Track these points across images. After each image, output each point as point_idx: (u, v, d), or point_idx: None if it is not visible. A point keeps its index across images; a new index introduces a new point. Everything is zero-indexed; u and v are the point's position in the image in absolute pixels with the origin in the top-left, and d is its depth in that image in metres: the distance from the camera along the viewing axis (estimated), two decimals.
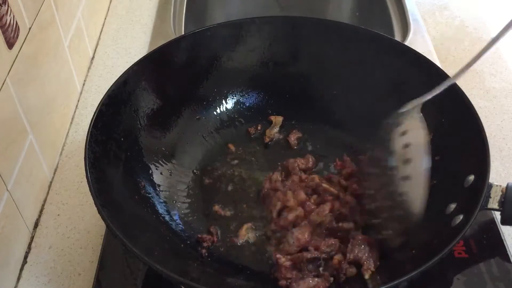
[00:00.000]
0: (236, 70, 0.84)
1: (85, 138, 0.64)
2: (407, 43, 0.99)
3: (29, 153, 0.73)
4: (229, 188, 0.76)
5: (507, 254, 0.70)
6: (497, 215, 0.67)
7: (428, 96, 0.64)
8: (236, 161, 0.80)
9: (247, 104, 0.85)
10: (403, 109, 0.66)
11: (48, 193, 0.80)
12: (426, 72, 0.74)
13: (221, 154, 0.80)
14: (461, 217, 0.59)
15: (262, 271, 0.66)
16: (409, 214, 0.61)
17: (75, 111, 0.92)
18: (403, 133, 0.65)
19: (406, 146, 0.64)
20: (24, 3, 0.71)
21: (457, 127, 0.69)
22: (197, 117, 0.82)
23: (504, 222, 0.63)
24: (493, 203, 0.61)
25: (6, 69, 0.66)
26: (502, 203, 0.61)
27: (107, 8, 1.13)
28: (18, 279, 0.70)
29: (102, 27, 1.09)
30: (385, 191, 0.65)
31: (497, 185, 0.62)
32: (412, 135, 0.64)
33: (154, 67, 0.77)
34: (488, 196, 0.61)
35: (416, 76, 0.75)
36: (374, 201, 0.68)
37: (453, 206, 0.62)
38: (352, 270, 0.63)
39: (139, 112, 0.74)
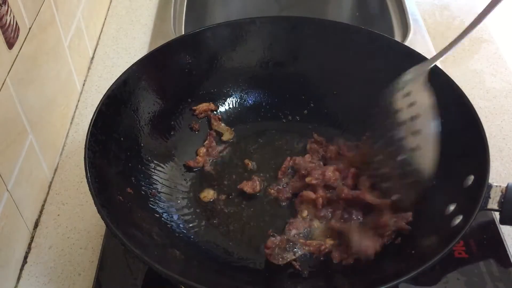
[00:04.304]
0: (236, 70, 0.84)
1: (85, 138, 0.64)
2: (407, 43, 0.99)
3: (29, 153, 0.73)
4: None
5: (507, 254, 0.70)
6: (497, 215, 0.67)
7: (435, 61, 0.64)
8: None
9: (247, 104, 0.85)
10: (408, 77, 0.65)
11: (48, 193, 0.80)
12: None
13: None
14: (460, 217, 0.59)
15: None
16: (419, 180, 0.61)
17: (75, 111, 0.92)
18: (411, 104, 0.64)
19: (414, 118, 0.63)
20: (24, 3, 0.71)
21: (457, 127, 0.69)
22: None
23: (503, 222, 0.63)
24: (493, 203, 0.61)
25: (6, 69, 0.66)
26: (502, 204, 0.61)
27: (107, 8, 1.13)
28: (18, 279, 0.70)
29: (102, 27, 1.09)
30: (394, 161, 0.65)
31: (496, 186, 0.62)
32: (419, 106, 0.63)
33: (154, 67, 0.77)
34: (488, 197, 0.61)
35: None
36: (382, 169, 0.67)
37: (452, 206, 0.62)
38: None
39: (139, 112, 0.75)
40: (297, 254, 0.65)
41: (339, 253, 0.65)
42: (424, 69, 0.65)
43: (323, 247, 0.66)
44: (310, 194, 0.70)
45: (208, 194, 0.75)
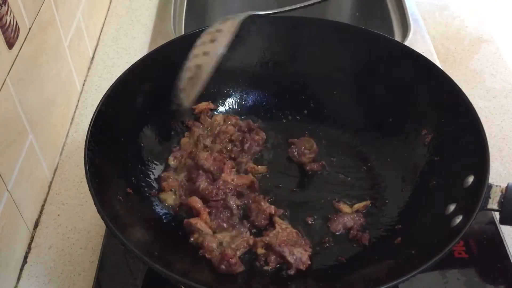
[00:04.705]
0: (236, 70, 0.84)
1: (85, 138, 0.64)
2: (407, 43, 0.99)
3: (29, 153, 0.73)
4: None
5: (507, 254, 0.70)
6: (497, 215, 0.67)
7: (255, 12, 0.75)
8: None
9: (247, 104, 0.85)
10: (230, 16, 0.75)
11: (48, 193, 0.80)
12: (426, 72, 0.74)
13: None
14: (460, 217, 0.59)
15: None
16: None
17: (75, 111, 0.92)
18: (211, 40, 0.73)
19: (205, 53, 0.73)
20: (24, 3, 0.71)
21: (457, 127, 0.69)
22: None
23: (503, 222, 0.63)
24: (493, 203, 0.61)
25: (6, 69, 0.66)
26: (502, 204, 0.61)
27: (107, 8, 1.13)
28: (18, 279, 0.70)
29: (102, 27, 1.09)
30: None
31: (496, 186, 0.62)
32: (215, 44, 0.73)
33: (154, 67, 0.77)
34: (488, 197, 0.61)
35: (416, 77, 0.75)
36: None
37: (452, 206, 0.62)
38: None
39: (139, 112, 0.75)
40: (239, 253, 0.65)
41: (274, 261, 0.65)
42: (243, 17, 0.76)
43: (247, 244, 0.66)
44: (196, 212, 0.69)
45: None
